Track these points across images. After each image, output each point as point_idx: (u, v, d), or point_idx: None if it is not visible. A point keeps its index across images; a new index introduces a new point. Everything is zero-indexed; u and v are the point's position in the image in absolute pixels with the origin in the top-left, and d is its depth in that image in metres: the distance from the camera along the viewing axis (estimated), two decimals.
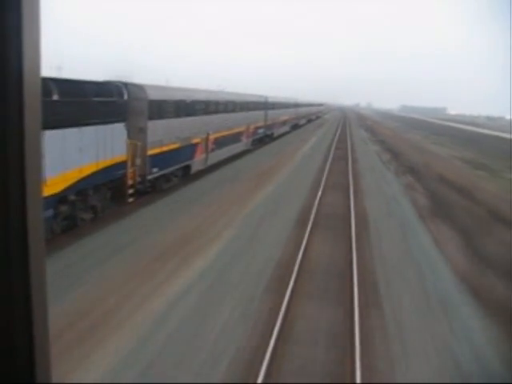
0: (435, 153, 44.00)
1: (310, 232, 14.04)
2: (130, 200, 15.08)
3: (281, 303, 9.08)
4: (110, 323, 8.21)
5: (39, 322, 1.05)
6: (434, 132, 77.20)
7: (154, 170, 16.56)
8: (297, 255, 11.82)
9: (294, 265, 11.15)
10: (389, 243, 13.94)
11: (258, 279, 10.45)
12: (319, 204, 17.95)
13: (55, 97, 10.69)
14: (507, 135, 61.21)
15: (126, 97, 14.71)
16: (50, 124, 10.11)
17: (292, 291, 9.71)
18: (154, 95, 16.41)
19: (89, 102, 12.42)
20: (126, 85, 15.11)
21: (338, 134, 56.42)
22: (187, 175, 20.46)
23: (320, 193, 19.95)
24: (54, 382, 1.15)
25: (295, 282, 10.22)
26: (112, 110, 13.73)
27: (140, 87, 15.93)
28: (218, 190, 19.33)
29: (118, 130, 14.01)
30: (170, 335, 7.96)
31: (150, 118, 16.05)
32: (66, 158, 11.12)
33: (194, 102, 20.97)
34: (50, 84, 10.51)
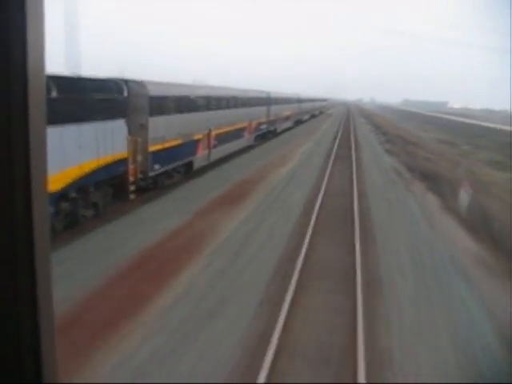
0: (416, 135, 53.87)
1: (337, 144, 37.04)
2: (132, 197, 15.05)
3: (332, 147, 35.02)
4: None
5: (45, 321, 1.06)
6: (427, 122, 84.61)
7: (156, 166, 16.50)
8: (334, 145, 36.39)
9: (335, 141, 39.69)
10: (365, 146, 38.08)
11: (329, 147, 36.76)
12: (339, 143, 38.97)
13: (54, 94, 10.63)
14: (491, 124, 71.12)
15: (126, 93, 14.64)
16: (49, 121, 10.04)
17: (339, 140, 41.84)
18: (154, 91, 16.33)
19: (88, 99, 12.36)
20: (126, 81, 15.04)
21: (343, 121, 73.43)
22: (189, 171, 20.40)
23: (339, 136, 45.94)
24: (60, 381, 1.17)
25: (338, 141, 39.74)
26: (112, 106, 13.67)
27: (140, 83, 15.86)
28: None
29: (118, 127, 13.95)
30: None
31: (151, 114, 15.97)
32: (65, 154, 11.06)
33: (196, 98, 20.89)
34: (48, 81, 10.44)
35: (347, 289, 9.36)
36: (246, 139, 30.56)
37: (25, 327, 1.02)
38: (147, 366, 6.58)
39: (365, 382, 6.37)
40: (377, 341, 7.52)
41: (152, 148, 16.06)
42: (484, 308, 8.85)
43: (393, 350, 7.32)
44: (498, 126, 64.25)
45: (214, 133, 22.88)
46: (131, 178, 14.85)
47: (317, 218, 14.50)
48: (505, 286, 9.77)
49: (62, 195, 11.37)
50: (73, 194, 12.00)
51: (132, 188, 14.97)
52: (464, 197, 15.98)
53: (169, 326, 7.65)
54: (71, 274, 8.98)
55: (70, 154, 11.33)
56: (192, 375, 6.47)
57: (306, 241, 11.98)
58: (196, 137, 20.60)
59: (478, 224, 13.82)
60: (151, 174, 16.25)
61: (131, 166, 14.78)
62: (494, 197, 18.34)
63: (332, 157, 29.42)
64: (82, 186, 12.35)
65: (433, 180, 21.33)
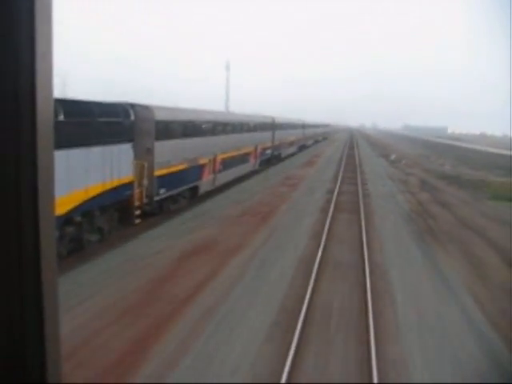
0: (401, 149, 78.08)
1: (348, 147, 72.54)
2: (137, 221, 14.88)
3: (345, 148, 70.06)
4: None
5: (50, 324, 1.07)
6: (417, 143, 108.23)
7: (162, 190, 16.39)
8: (346, 148, 71.48)
9: (346, 147, 73.47)
10: (362, 145, 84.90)
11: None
12: (348, 147, 73.46)
13: (61, 117, 10.60)
14: (468, 145, 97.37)
15: (132, 117, 14.65)
16: (55, 144, 9.98)
17: (348, 146, 75.86)
18: (160, 116, 16.36)
19: (95, 123, 12.33)
20: (132, 105, 15.08)
21: (349, 140, 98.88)
22: (195, 196, 20.27)
23: (348, 145, 78.84)
24: (64, 382, 1.17)
25: (348, 147, 75.18)
26: (118, 130, 13.65)
27: (147, 108, 15.90)
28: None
29: (124, 151, 13.90)
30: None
31: (157, 138, 15.96)
32: (71, 178, 10.95)
33: (202, 123, 20.94)
34: (55, 104, 10.42)
35: (353, 154, 56.29)
36: (251, 164, 30.55)
37: (29, 328, 1.04)
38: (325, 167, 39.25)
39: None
40: (361, 163, 45.16)
41: (158, 172, 15.98)
42: (384, 167, 42.43)
43: (362, 159, 51.00)
44: (470, 146, 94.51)
45: (219, 158, 22.87)
46: (137, 203, 14.72)
47: (346, 157, 51.27)
48: (390, 167, 42.69)
49: (67, 219, 11.21)
50: (78, 218, 11.85)
51: (137, 212, 14.82)
52: (392, 157, 52.73)
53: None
54: None
55: (75, 177, 11.23)
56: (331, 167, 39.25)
57: (344, 156, 52.52)
58: (201, 161, 20.55)
59: (392, 162, 47.92)
60: (157, 198, 16.12)
61: (137, 190, 14.67)
62: (412, 164, 47.04)
63: (346, 150, 65.19)
64: (88, 210, 12.21)
65: (386, 156, 55.31)
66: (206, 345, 7.91)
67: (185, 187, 18.87)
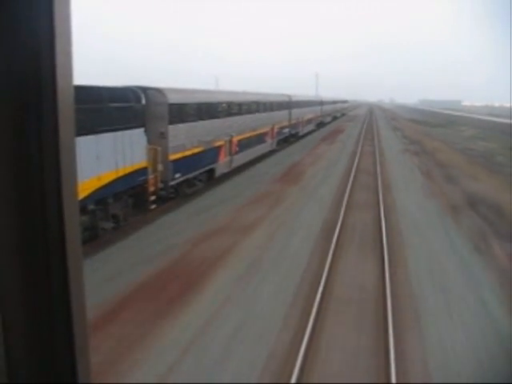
0: (401, 115, 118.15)
1: (369, 115, 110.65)
2: (153, 207, 14.68)
3: (367, 115, 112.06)
4: None
5: (79, 323, 1.08)
6: (418, 112, 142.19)
7: (177, 175, 16.13)
8: (368, 115, 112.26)
9: (368, 115, 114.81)
10: (377, 112, 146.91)
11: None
12: (369, 115, 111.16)
13: None
14: (464, 114, 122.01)
15: (143, 101, 14.29)
16: None
17: (370, 114, 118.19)
18: (174, 99, 15.98)
19: (105, 109, 12.02)
20: (143, 89, 14.72)
21: (369, 112, 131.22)
22: (211, 179, 19.99)
23: (369, 114, 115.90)
24: (94, 382, 1.19)
25: (369, 115, 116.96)
26: (130, 115, 13.32)
27: (159, 91, 15.53)
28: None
29: (137, 136, 13.59)
30: None
31: (171, 122, 15.62)
32: (83, 166, 10.68)
33: (216, 104, 20.49)
34: None
35: (371, 116, 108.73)
36: (269, 144, 30.04)
37: (58, 328, 1.05)
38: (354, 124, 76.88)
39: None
40: (376, 115, 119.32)
41: (172, 156, 15.69)
42: (383, 117, 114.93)
43: (378, 122, 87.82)
44: (454, 113, 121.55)
45: (235, 139, 22.46)
46: (151, 188, 14.48)
47: (369, 117, 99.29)
48: (384, 113, 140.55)
49: (80, 208, 11.01)
50: (91, 206, 11.68)
51: (152, 198, 14.60)
52: (386, 112, 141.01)
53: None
54: None
55: (87, 164, 10.98)
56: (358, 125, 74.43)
57: (368, 116, 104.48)
58: (217, 143, 20.19)
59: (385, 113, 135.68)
60: (172, 183, 15.88)
61: (151, 176, 14.41)
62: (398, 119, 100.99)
63: (368, 115, 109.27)
64: (101, 198, 12.02)
65: (384, 113, 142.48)
66: None
67: (201, 170, 18.58)
